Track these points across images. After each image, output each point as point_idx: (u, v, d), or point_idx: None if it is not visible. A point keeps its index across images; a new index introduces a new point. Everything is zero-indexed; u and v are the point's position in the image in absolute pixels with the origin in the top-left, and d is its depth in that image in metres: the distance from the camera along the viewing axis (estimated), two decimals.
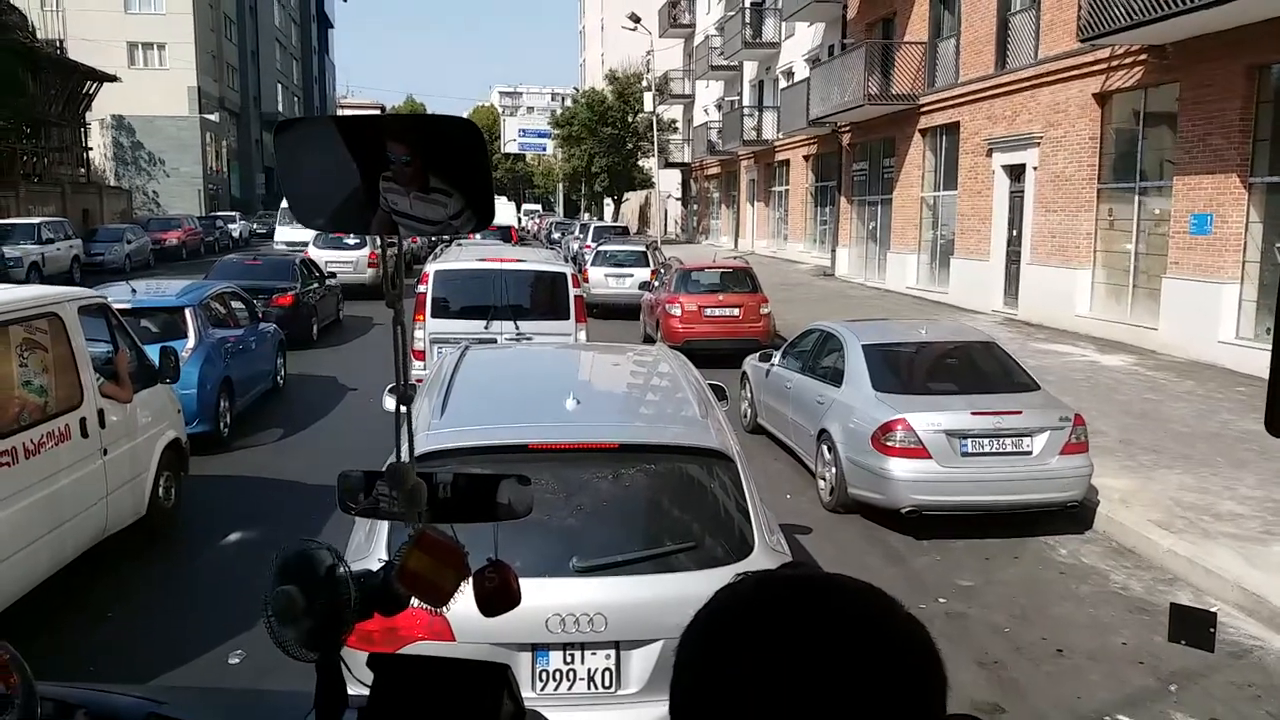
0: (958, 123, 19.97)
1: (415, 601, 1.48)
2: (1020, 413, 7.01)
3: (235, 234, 41.05)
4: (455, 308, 9.58)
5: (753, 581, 0.85)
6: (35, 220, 26.14)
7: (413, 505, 1.51)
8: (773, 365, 9.48)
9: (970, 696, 4.64)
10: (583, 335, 9.54)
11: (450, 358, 4.73)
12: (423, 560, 1.42)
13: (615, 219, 49.05)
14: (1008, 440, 6.93)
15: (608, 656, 3.21)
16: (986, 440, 6.91)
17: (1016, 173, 17.96)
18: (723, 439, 3.76)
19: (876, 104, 22.09)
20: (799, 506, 7.61)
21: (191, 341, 9.15)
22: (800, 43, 30.86)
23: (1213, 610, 2.22)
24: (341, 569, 1.47)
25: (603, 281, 19.59)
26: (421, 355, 9.23)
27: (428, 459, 3.27)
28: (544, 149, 64.79)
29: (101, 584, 5.84)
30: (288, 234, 27.87)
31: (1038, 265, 17.00)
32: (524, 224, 49.63)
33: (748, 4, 34.30)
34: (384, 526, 3.22)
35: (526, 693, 2.81)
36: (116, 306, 6.99)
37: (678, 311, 14.16)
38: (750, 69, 37.29)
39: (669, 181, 50.90)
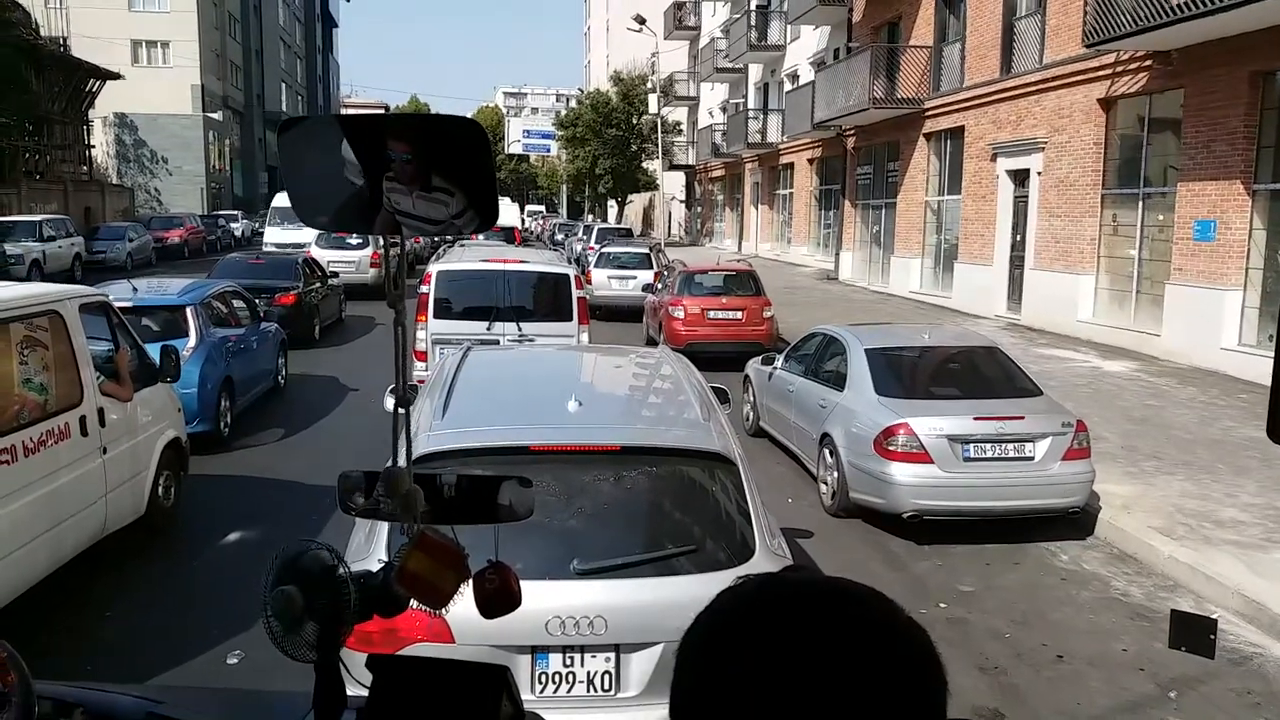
0: (962, 127, 19.97)
1: (415, 603, 1.47)
2: (1023, 418, 7.00)
3: (237, 233, 41.08)
4: (458, 308, 9.58)
5: (754, 584, 0.85)
6: (37, 218, 26.14)
7: (408, 511, 1.50)
8: (775, 368, 9.48)
9: (970, 702, 4.63)
10: (585, 337, 9.54)
11: (452, 359, 4.73)
12: (423, 561, 1.41)
13: (619, 221, 49.11)
14: (1010, 446, 6.92)
15: (608, 659, 3.21)
16: (989, 445, 6.90)
17: (1021, 178, 17.95)
18: (725, 442, 3.76)
19: (881, 108, 22.09)
20: (800, 510, 7.60)
21: (192, 340, 9.14)
22: (805, 46, 30.87)
23: (1213, 617, 2.22)
24: (341, 570, 1.46)
25: (606, 283, 19.59)
26: (424, 356, 9.23)
27: (429, 460, 3.27)
28: (548, 150, 64.93)
29: (100, 583, 5.83)
30: (277, 235, 26.93)
31: (1041, 270, 16.99)
32: (527, 225, 49.69)
33: (753, 7, 34.34)
34: (384, 527, 3.22)
35: (526, 695, 2.80)
36: (117, 305, 6.99)
37: (681, 314, 14.16)
38: (755, 72, 37.32)
39: (673, 184, 50.95)
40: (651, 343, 14.91)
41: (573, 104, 57.60)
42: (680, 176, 51.23)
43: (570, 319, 9.52)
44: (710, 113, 45.22)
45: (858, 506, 7.31)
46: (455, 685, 1.40)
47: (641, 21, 37.43)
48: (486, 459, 3.38)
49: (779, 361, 9.54)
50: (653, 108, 44.39)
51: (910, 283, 22.38)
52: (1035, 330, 16.49)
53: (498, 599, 1.50)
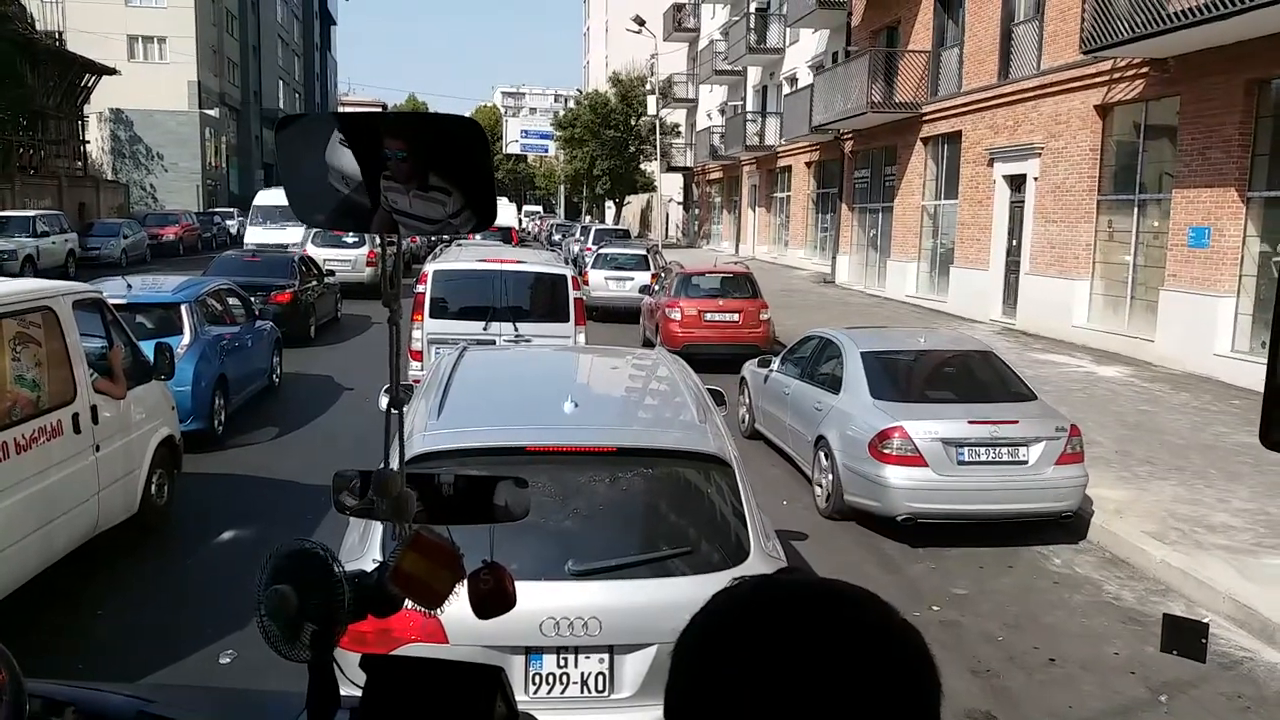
0: (960, 132, 20.01)
1: (409, 603, 1.47)
2: (1017, 422, 7.02)
3: (233, 230, 40.91)
4: (454, 308, 9.57)
5: (749, 585, 0.86)
6: (31, 213, 26.03)
7: (399, 514, 1.50)
8: (771, 371, 9.48)
9: (963, 704, 4.64)
10: (582, 338, 9.53)
11: (448, 358, 4.72)
12: (417, 562, 1.41)
13: (616, 222, 49.15)
14: (1004, 450, 6.94)
15: (601, 660, 3.21)
16: (983, 449, 6.92)
17: (1017, 183, 17.99)
18: (720, 444, 3.76)
19: (879, 112, 22.13)
20: (795, 513, 7.61)
21: (187, 338, 9.12)
22: (804, 49, 30.92)
23: (1205, 621, 2.22)
24: (335, 569, 1.46)
25: (603, 284, 19.59)
26: (419, 355, 9.22)
27: (424, 460, 3.27)
28: (546, 150, 64.91)
29: (92, 581, 5.81)
30: (259, 235, 25.68)
31: (1036, 275, 17.03)
32: (525, 225, 49.66)
33: (752, 9, 34.39)
34: (379, 526, 3.22)
35: (519, 696, 2.80)
36: (112, 302, 6.96)
37: (677, 316, 14.16)
38: (754, 74, 37.36)
39: (671, 185, 50.98)
40: (648, 344, 14.90)
41: (571, 105, 57.68)
42: (678, 178, 51.27)
43: (567, 320, 9.52)
44: (708, 115, 45.27)
45: (852, 509, 7.32)
46: (449, 686, 1.40)
47: (641, 23, 37.45)
48: (482, 459, 3.37)
49: (775, 364, 9.54)
50: (651, 109, 44.43)
51: (906, 287, 22.41)
52: (1030, 335, 16.52)
53: (492, 599, 1.50)
